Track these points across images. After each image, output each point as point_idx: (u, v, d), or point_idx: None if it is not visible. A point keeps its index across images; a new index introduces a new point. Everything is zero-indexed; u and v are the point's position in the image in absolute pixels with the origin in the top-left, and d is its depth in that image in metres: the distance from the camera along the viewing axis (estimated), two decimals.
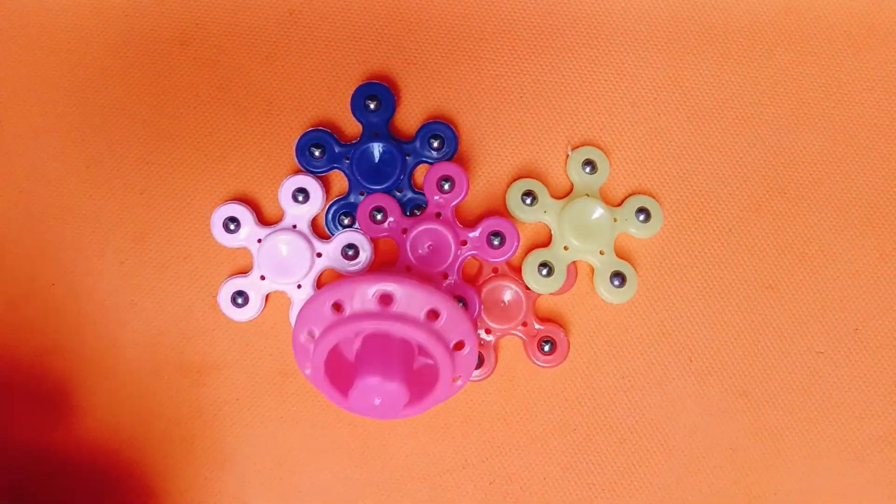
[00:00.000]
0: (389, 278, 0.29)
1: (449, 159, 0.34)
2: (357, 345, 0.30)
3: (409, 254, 0.33)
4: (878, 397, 0.35)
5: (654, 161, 0.35)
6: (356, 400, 0.29)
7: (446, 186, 0.33)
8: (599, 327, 0.34)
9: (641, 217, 0.34)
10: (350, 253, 0.34)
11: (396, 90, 0.35)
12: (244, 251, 0.34)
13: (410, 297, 0.29)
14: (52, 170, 0.35)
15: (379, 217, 0.33)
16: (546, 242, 0.34)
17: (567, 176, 0.35)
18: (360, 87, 0.35)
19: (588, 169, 0.35)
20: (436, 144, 0.34)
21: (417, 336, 0.29)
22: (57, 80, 0.35)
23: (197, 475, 0.34)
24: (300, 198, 0.34)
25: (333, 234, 0.34)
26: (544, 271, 0.33)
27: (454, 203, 0.34)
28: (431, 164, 0.35)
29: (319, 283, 0.34)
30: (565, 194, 0.35)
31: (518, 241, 0.33)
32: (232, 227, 0.34)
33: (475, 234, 0.33)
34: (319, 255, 0.34)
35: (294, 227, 0.34)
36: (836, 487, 0.34)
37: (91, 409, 0.34)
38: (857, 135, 0.36)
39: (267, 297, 0.34)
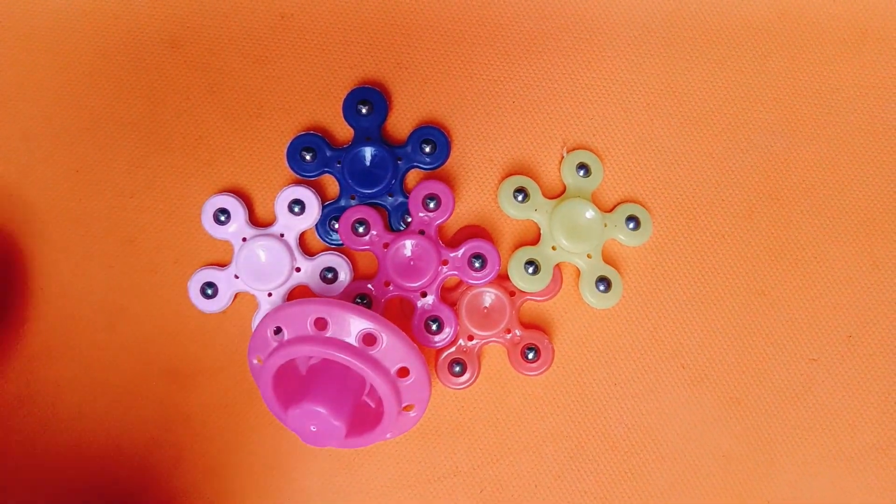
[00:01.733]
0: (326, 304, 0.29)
1: (441, 164, 0.34)
2: (313, 361, 0.30)
3: (389, 269, 0.33)
4: (872, 405, 0.34)
5: (646, 166, 0.35)
6: (294, 419, 0.28)
7: (431, 205, 0.33)
8: (591, 334, 0.34)
9: (631, 225, 0.34)
10: (329, 276, 0.34)
11: (388, 95, 0.35)
12: (230, 247, 0.34)
13: (342, 321, 0.28)
14: (41, 173, 0.35)
15: (361, 230, 0.33)
16: (534, 241, 0.34)
17: (560, 178, 0.35)
18: (353, 91, 0.34)
19: (582, 172, 0.34)
20: (428, 149, 0.34)
21: (355, 362, 0.28)
22: (46, 83, 0.35)
23: (185, 481, 0.34)
24: (296, 209, 0.34)
25: (323, 239, 0.34)
26: (530, 269, 0.33)
27: (438, 222, 0.33)
28: (424, 169, 0.34)
29: (290, 298, 0.34)
30: (557, 196, 0.35)
31: (499, 266, 0.33)
32: (222, 218, 0.34)
33: (457, 254, 0.33)
34: (298, 269, 0.34)
35: (282, 235, 0.34)
36: (828, 495, 0.34)
37: (79, 415, 0.34)
38: (850, 141, 0.36)
39: (236, 294, 0.34)
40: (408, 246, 0.33)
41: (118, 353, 0.34)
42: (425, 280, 0.33)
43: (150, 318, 0.34)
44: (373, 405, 0.31)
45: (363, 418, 0.30)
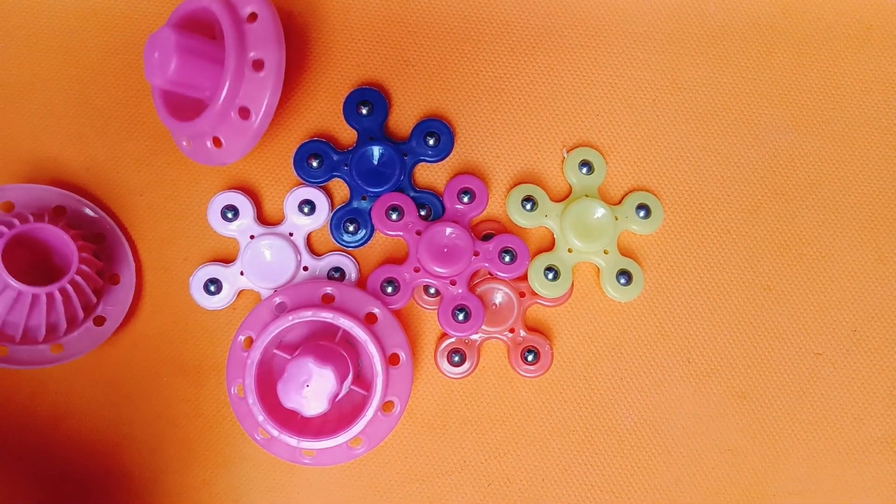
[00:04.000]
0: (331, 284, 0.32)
1: (446, 156, 0.35)
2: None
3: (423, 255, 0.33)
4: (877, 398, 0.35)
5: (652, 162, 0.35)
6: (286, 382, 0.29)
7: (465, 199, 0.34)
8: (598, 329, 0.34)
9: (642, 213, 0.34)
10: (336, 276, 0.34)
11: (388, 93, 0.35)
12: (238, 244, 0.34)
13: (349, 297, 0.32)
14: (51, 171, 0.35)
15: (395, 216, 0.34)
16: (549, 247, 0.35)
17: (565, 178, 0.35)
18: (352, 93, 0.35)
19: (585, 170, 0.35)
20: (431, 142, 0.34)
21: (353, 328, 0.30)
22: (56, 81, 0.36)
23: (195, 476, 0.34)
24: (306, 209, 0.34)
25: (337, 241, 0.34)
26: (550, 275, 0.33)
27: (472, 215, 0.34)
28: (429, 162, 0.35)
29: None
30: (565, 197, 0.35)
31: (528, 261, 0.33)
32: (230, 215, 0.34)
33: (488, 247, 0.33)
34: (306, 268, 0.34)
35: (290, 234, 0.34)
36: (834, 488, 0.34)
37: (90, 410, 0.34)
38: (855, 136, 0.36)
39: (240, 291, 0.34)
40: (445, 233, 0.33)
41: (128, 349, 0.34)
42: (458, 268, 0.33)
43: (159, 314, 0.34)
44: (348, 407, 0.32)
45: (341, 414, 0.32)
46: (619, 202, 0.35)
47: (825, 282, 0.35)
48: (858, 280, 0.35)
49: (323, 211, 0.34)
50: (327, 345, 0.31)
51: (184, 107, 0.32)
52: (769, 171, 0.36)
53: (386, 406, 0.31)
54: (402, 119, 0.35)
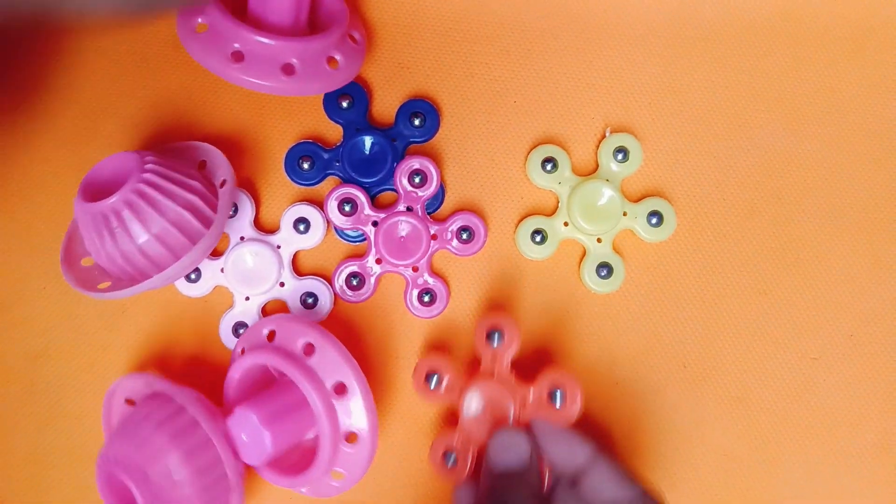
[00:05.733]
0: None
1: (433, 134, 0.35)
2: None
3: (381, 246, 0.33)
4: (873, 403, 0.34)
5: (646, 164, 0.35)
6: (232, 424, 0.29)
7: (417, 180, 0.33)
8: (593, 333, 0.34)
9: (654, 220, 0.34)
10: (309, 301, 0.34)
11: (368, 86, 0.35)
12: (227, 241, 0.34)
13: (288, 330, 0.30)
14: (43, 173, 0.35)
15: (348, 209, 0.33)
16: (547, 212, 0.35)
17: (594, 158, 0.35)
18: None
19: (620, 156, 0.34)
20: (417, 122, 0.34)
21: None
22: (49, 83, 0.35)
23: None
24: (301, 227, 0.34)
25: (341, 237, 0.34)
26: (538, 238, 0.34)
27: (425, 197, 0.34)
28: (418, 143, 0.35)
29: (265, 312, 0.34)
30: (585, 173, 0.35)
31: (486, 238, 0.34)
32: (230, 212, 0.34)
33: (445, 228, 0.34)
34: (282, 284, 0.34)
35: (278, 247, 0.34)
36: (830, 494, 0.34)
37: (81, 413, 0.34)
38: (852, 140, 0.36)
39: (216, 287, 0.34)
40: (397, 224, 0.33)
41: (119, 351, 0.34)
42: (416, 256, 0.33)
43: (150, 317, 0.34)
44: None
45: (305, 459, 0.30)
46: (637, 200, 0.35)
47: (821, 286, 0.35)
48: (854, 284, 0.35)
49: (317, 232, 0.34)
50: (284, 403, 0.29)
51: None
52: (765, 175, 0.35)
53: (349, 438, 0.29)
54: (385, 108, 0.35)
